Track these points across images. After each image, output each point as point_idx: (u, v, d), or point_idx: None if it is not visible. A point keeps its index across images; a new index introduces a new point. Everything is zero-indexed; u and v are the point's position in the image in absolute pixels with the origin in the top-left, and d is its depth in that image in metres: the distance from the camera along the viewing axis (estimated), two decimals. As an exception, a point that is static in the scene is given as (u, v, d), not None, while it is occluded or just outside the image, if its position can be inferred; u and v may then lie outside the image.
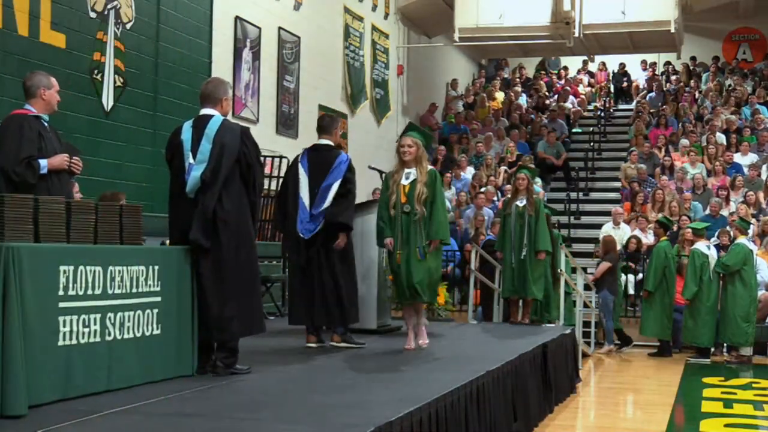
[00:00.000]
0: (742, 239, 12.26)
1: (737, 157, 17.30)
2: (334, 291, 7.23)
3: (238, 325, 5.64)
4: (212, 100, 5.77)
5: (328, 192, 7.26)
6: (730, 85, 21.08)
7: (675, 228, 14.19)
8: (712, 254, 12.31)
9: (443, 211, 7.21)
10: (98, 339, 4.72)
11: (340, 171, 7.31)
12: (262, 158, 6.14)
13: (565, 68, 24.20)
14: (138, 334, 5.02)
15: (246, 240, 5.68)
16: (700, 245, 12.28)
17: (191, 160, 5.61)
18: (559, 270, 10.69)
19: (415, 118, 20.02)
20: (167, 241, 6.13)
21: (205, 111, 5.78)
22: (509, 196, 10.75)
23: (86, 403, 4.45)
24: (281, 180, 8.07)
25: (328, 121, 7.68)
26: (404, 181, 7.10)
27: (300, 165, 7.43)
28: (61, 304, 4.47)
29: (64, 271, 4.49)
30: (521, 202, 9.86)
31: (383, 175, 7.60)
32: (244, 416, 4.37)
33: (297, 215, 7.27)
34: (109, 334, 4.80)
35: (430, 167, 7.24)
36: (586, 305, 12.56)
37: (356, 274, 7.52)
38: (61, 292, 4.46)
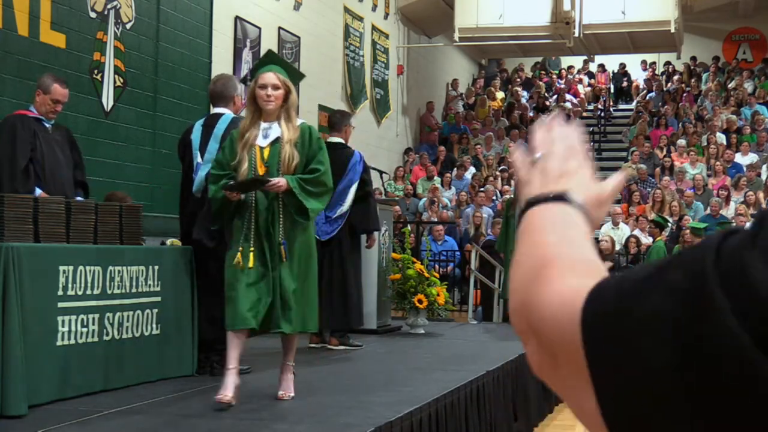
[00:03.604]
0: None
1: (738, 157, 17.30)
2: (343, 294, 7.19)
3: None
4: (224, 99, 5.76)
5: (346, 194, 7.15)
6: (730, 85, 21.10)
7: (674, 228, 14.19)
8: None
9: (328, 186, 4.95)
10: (98, 339, 4.72)
11: (356, 172, 7.21)
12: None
13: (570, 68, 24.19)
14: (137, 334, 5.03)
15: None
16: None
17: (199, 160, 5.63)
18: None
19: (416, 118, 20.03)
20: (167, 241, 6.13)
21: (216, 110, 5.78)
22: (511, 196, 10.75)
23: (86, 403, 4.45)
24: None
25: (338, 117, 7.58)
26: (261, 142, 4.82)
27: None
28: (60, 304, 4.47)
29: (64, 271, 4.50)
30: None
31: (231, 136, 5.02)
32: (244, 416, 4.37)
33: None
34: (107, 334, 4.80)
35: (302, 121, 4.99)
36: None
37: (361, 278, 7.49)
38: (60, 292, 4.46)
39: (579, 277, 0.74)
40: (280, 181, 4.71)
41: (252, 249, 4.72)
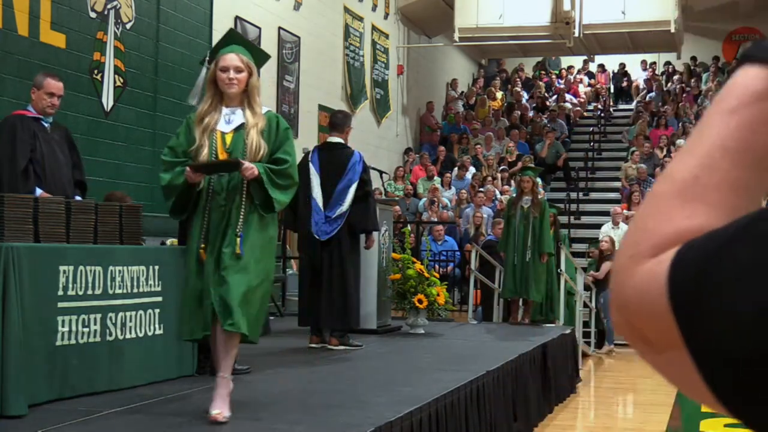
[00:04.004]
0: None
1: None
2: (343, 294, 7.19)
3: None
4: None
5: (345, 194, 7.15)
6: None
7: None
8: None
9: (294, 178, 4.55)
10: (98, 339, 4.72)
11: (356, 172, 7.20)
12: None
13: (570, 68, 24.19)
14: (141, 335, 5.03)
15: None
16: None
17: None
18: (559, 270, 10.69)
19: (416, 118, 20.02)
20: (167, 241, 6.14)
21: None
22: (513, 196, 10.77)
23: (86, 403, 4.45)
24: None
25: (341, 118, 7.55)
26: (223, 128, 4.44)
27: (311, 164, 7.30)
28: (61, 304, 4.47)
29: (64, 271, 4.49)
30: (526, 204, 9.88)
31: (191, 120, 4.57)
32: (244, 416, 4.37)
33: (310, 216, 7.19)
34: (110, 334, 4.80)
35: (267, 109, 4.60)
36: (586, 305, 12.56)
37: (360, 278, 7.49)
38: (60, 292, 4.46)
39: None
40: (253, 167, 4.33)
41: (203, 246, 4.33)
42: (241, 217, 4.30)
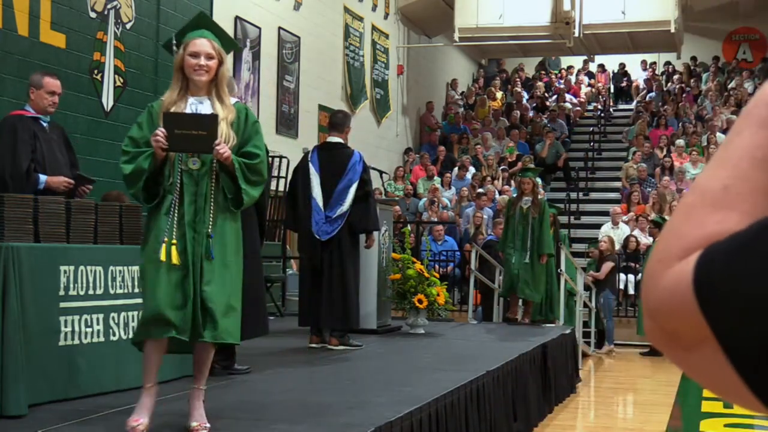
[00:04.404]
0: None
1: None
2: (343, 294, 7.18)
3: (241, 328, 5.63)
4: None
5: (345, 194, 7.15)
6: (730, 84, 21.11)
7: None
8: None
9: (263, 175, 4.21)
10: (102, 339, 4.72)
11: (356, 172, 7.20)
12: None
13: (569, 68, 24.19)
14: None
15: (250, 242, 5.67)
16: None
17: None
18: (559, 270, 10.69)
19: (416, 118, 20.02)
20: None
21: None
22: (513, 196, 10.78)
23: (86, 403, 4.45)
24: (282, 179, 8.05)
25: (341, 117, 7.55)
26: None
27: (310, 164, 7.30)
28: (62, 305, 4.47)
29: (65, 271, 4.50)
30: (526, 204, 9.87)
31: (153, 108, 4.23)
32: (244, 416, 4.38)
33: (310, 216, 7.19)
34: (114, 334, 4.80)
35: (235, 100, 4.33)
36: (586, 305, 12.57)
37: (359, 278, 7.49)
38: (62, 292, 4.46)
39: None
40: (228, 149, 4.01)
41: (174, 242, 3.92)
42: (211, 214, 3.98)
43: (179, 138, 3.94)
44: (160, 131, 3.93)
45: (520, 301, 10.05)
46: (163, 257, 3.88)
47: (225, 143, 4.00)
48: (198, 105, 4.12)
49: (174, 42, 4.35)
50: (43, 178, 5.72)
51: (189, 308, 3.89)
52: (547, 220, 9.89)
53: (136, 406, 3.97)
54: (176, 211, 3.97)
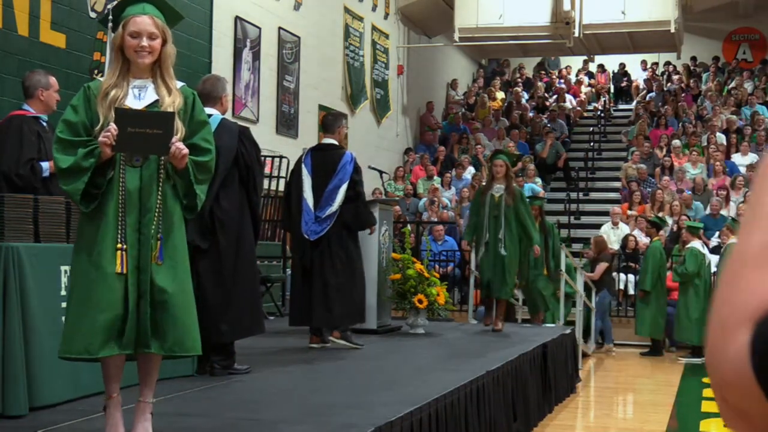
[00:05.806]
0: (695, 242, 12.31)
1: (737, 158, 17.31)
2: (337, 292, 7.19)
3: (237, 327, 5.64)
4: (211, 99, 5.75)
5: (335, 195, 7.18)
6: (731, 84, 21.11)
7: (674, 228, 14.20)
8: (707, 254, 12.42)
9: (210, 163, 3.80)
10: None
11: (346, 172, 7.24)
12: (262, 158, 6.14)
13: (568, 68, 24.19)
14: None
15: (245, 240, 5.68)
16: (696, 244, 12.33)
17: None
18: (559, 270, 10.68)
19: (416, 118, 20.03)
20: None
21: (205, 110, 5.78)
22: (484, 183, 9.85)
23: (86, 403, 4.45)
24: (281, 180, 8.08)
25: (330, 119, 7.62)
26: (133, 103, 3.70)
27: (303, 165, 7.38)
28: (63, 305, 4.47)
29: (65, 271, 4.50)
30: (497, 192, 8.73)
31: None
32: (244, 416, 4.38)
33: (301, 216, 7.24)
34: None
35: (182, 84, 3.87)
36: (585, 305, 12.57)
37: (363, 276, 7.48)
38: (62, 292, 4.47)
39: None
40: (186, 152, 3.61)
41: (119, 246, 3.53)
42: (160, 215, 3.59)
43: (132, 137, 3.54)
44: (113, 128, 3.50)
45: (495, 305, 9.01)
46: (117, 268, 3.48)
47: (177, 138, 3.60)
48: (141, 89, 3.69)
49: (110, 18, 3.94)
50: (45, 165, 5.76)
51: (132, 318, 3.52)
52: (525, 211, 8.77)
53: (106, 426, 3.63)
54: (120, 209, 3.55)
